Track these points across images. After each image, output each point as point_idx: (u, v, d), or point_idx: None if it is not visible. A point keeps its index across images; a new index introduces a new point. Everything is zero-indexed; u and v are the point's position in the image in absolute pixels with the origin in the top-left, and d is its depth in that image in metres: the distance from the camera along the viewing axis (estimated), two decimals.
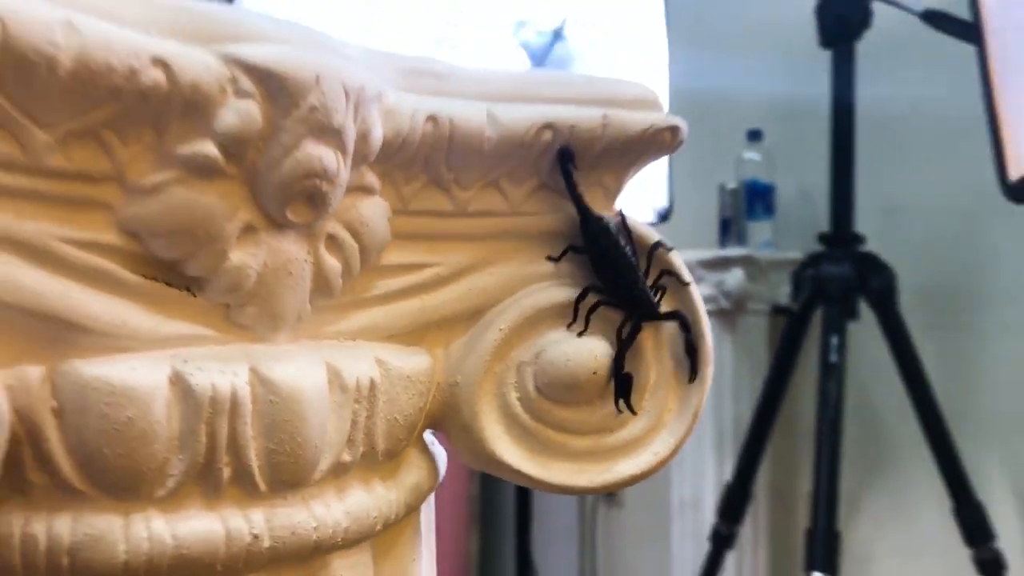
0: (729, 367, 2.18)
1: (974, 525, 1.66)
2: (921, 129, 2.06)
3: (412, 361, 0.51)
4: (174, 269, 0.42)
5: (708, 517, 2.06)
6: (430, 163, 0.49)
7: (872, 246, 1.80)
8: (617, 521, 2.63)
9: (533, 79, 0.52)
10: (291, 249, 0.44)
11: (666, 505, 2.35)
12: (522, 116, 0.50)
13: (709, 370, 0.55)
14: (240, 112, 0.40)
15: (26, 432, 0.39)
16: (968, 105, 1.43)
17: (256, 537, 0.43)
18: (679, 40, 1.92)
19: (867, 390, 2.05)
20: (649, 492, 2.18)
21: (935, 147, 2.03)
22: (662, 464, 0.55)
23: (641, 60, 1.96)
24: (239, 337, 0.44)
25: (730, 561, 2.02)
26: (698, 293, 0.55)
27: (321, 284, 0.46)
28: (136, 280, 0.41)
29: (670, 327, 0.55)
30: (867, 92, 1.79)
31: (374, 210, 0.48)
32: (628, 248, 0.54)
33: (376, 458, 0.49)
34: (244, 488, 0.43)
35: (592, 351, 0.53)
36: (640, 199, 1.86)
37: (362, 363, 0.47)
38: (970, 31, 1.41)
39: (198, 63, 0.39)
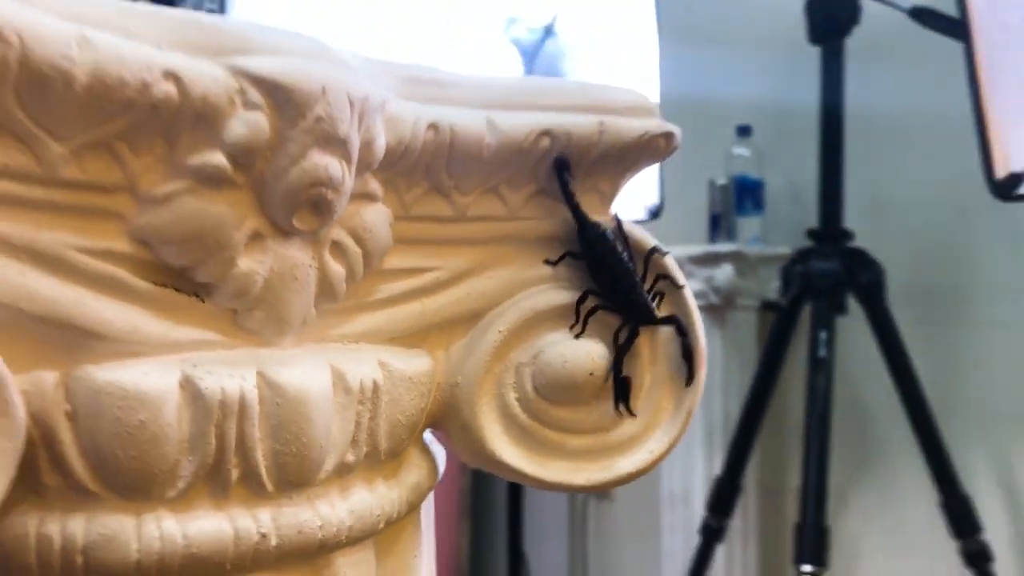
0: (718, 362, 2.19)
1: (961, 518, 1.68)
2: (909, 126, 2.07)
3: (414, 363, 0.52)
4: (183, 276, 0.43)
5: (698, 511, 2.07)
6: (431, 170, 0.50)
7: (860, 242, 1.81)
8: (608, 515, 2.65)
9: (531, 87, 0.53)
10: (297, 255, 0.45)
11: (656, 499, 2.36)
12: (521, 123, 0.51)
13: (703, 371, 0.56)
14: (249, 123, 0.41)
15: (41, 435, 0.40)
16: (956, 102, 1.44)
17: (264, 536, 0.44)
18: (669, 36, 1.92)
19: (855, 385, 2.07)
20: (639, 486, 2.19)
21: (923, 143, 2.05)
22: (657, 462, 0.57)
23: (632, 56, 1.97)
24: (246, 341, 0.45)
25: (720, 554, 2.04)
26: (692, 297, 0.56)
27: (326, 289, 0.47)
28: (147, 287, 0.42)
29: (665, 329, 0.56)
30: (856, 89, 1.80)
31: (377, 216, 0.49)
32: (625, 254, 0.55)
33: (379, 458, 0.50)
34: (251, 488, 0.44)
35: (589, 353, 0.55)
36: (631, 197, 1.87)
37: (365, 365, 0.48)
38: (958, 28, 1.43)
39: (208, 76, 0.40)
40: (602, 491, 0.57)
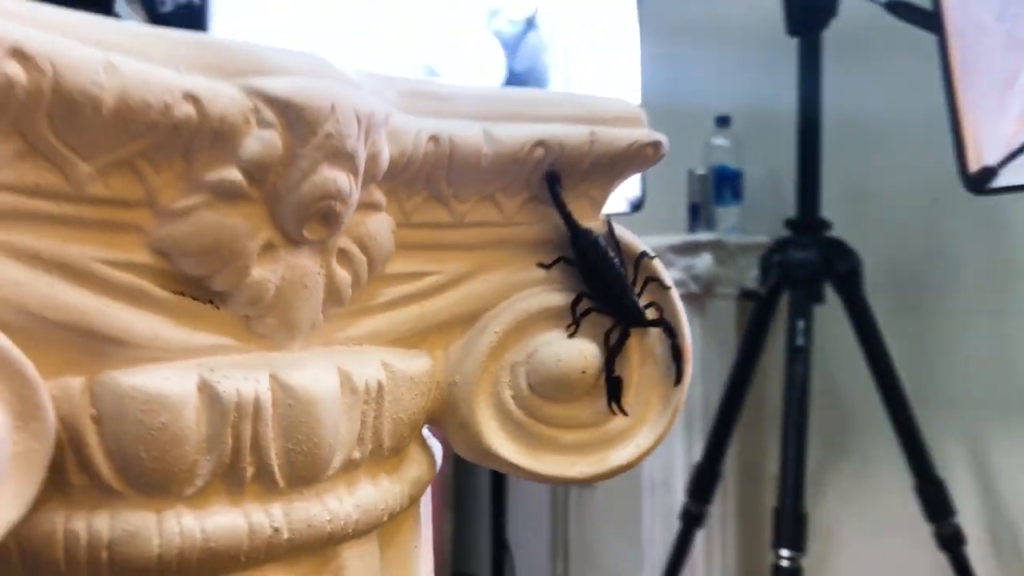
0: (698, 350, 2.21)
1: (935, 502, 1.71)
2: (886, 118, 2.10)
3: (415, 363, 0.54)
4: (200, 285, 0.45)
5: (678, 497, 2.10)
6: (431, 179, 0.53)
7: (838, 232, 1.83)
8: (589, 502, 2.68)
9: (526, 98, 0.55)
10: (306, 263, 0.48)
11: (637, 486, 2.39)
12: (516, 134, 0.54)
13: (689, 368, 0.59)
14: (263, 140, 0.43)
15: (68, 438, 0.43)
16: (932, 95, 1.46)
17: (276, 530, 0.47)
18: (650, 28, 1.95)
19: (833, 372, 2.10)
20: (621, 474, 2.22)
21: (899, 135, 2.08)
22: (646, 455, 0.59)
23: (613, 48, 1.99)
24: (259, 346, 0.48)
25: (700, 539, 2.06)
26: (678, 297, 0.59)
27: (333, 294, 0.50)
28: (166, 296, 0.44)
29: (654, 330, 0.59)
30: (834, 81, 1.82)
31: (381, 225, 0.51)
32: (616, 259, 0.58)
33: (382, 454, 0.53)
34: (265, 485, 0.47)
35: (581, 351, 0.57)
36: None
37: (370, 367, 0.51)
38: (932, 21, 1.45)
39: (224, 96, 0.42)
40: (594, 483, 0.60)
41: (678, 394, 0.59)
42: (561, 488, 2.68)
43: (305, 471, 0.47)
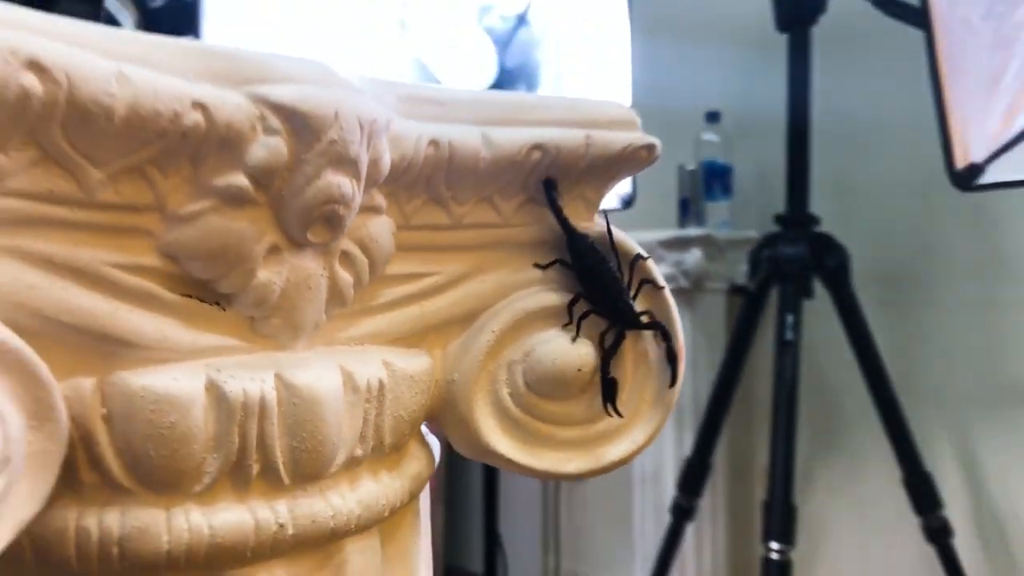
0: (688, 345, 2.19)
1: (923, 494, 1.73)
2: (874, 114, 2.12)
3: (415, 362, 0.55)
4: (207, 287, 0.46)
5: (668, 490, 2.11)
6: (431, 183, 0.54)
7: (826, 227, 1.85)
8: (581, 496, 2.69)
9: (523, 103, 0.56)
10: (310, 266, 0.49)
11: (627, 479, 2.40)
12: (514, 138, 0.55)
13: (682, 367, 0.60)
14: (269, 147, 0.44)
15: (80, 437, 0.44)
16: (920, 92, 1.48)
17: (281, 526, 0.48)
18: (641, 23, 1.95)
19: (821, 366, 2.12)
20: None
21: (887, 131, 2.09)
22: (640, 450, 0.61)
23: (604, 44, 2.00)
24: (264, 346, 0.49)
25: (690, 533, 2.08)
26: (671, 297, 0.61)
27: (335, 295, 0.51)
28: (174, 298, 0.46)
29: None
30: (823, 77, 1.83)
31: (382, 227, 0.52)
32: (612, 262, 0.59)
33: (383, 451, 0.54)
34: (270, 482, 0.48)
35: (577, 350, 0.59)
36: None
37: (371, 366, 0.52)
38: (919, 17, 1.47)
39: (231, 104, 0.43)
40: (589, 478, 0.61)
41: (672, 393, 0.60)
42: (552, 482, 2.69)
43: (309, 468, 0.49)
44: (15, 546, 0.41)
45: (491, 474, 2.17)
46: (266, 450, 0.47)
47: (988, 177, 1.36)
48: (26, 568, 0.45)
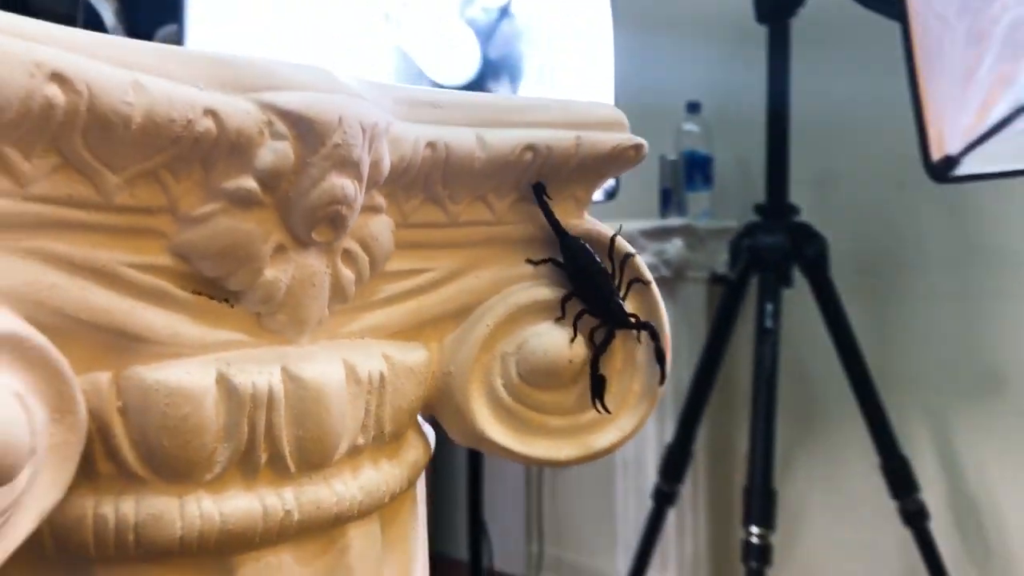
0: (669, 333, 2.25)
1: (900, 479, 1.76)
2: (853, 105, 2.15)
3: (413, 355, 0.58)
4: (216, 285, 0.48)
5: (650, 476, 2.14)
6: (428, 183, 0.56)
7: (805, 216, 1.88)
8: (563, 482, 2.72)
9: (516, 105, 0.59)
10: (314, 264, 0.51)
11: (610, 466, 2.44)
12: (507, 139, 0.57)
13: (668, 357, 0.63)
14: (276, 151, 0.46)
15: (97, 429, 0.46)
16: (898, 83, 1.50)
17: (288, 512, 0.50)
18: (623, 14, 1.97)
19: (800, 354, 2.15)
20: None
21: (866, 122, 2.12)
22: (628, 438, 0.63)
23: (586, 35, 2.01)
24: (271, 341, 0.51)
25: (671, 517, 2.11)
26: (658, 293, 0.63)
27: (338, 292, 0.53)
28: (185, 296, 0.48)
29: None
30: (802, 68, 1.86)
31: (382, 226, 0.55)
32: (603, 263, 0.61)
33: (384, 440, 0.56)
34: (277, 471, 0.50)
35: (568, 343, 0.61)
36: None
37: (372, 359, 0.54)
38: (894, 9, 1.49)
39: (241, 111, 0.45)
40: (580, 464, 0.64)
41: (659, 387, 0.63)
42: (535, 470, 2.72)
43: (314, 457, 0.51)
44: (35, 534, 0.43)
45: (476, 463, 2.19)
46: (274, 440, 0.49)
47: (963, 169, 1.39)
48: (46, 553, 0.47)
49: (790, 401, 2.02)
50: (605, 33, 1.98)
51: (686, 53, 2.47)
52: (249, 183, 0.46)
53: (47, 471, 0.42)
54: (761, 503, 1.70)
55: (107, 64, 0.41)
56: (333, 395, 0.51)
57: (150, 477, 0.47)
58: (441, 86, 1.93)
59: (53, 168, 0.41)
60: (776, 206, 1.86)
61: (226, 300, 0.49)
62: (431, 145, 0.55)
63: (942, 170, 1.40)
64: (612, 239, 0.62)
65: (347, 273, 0.53)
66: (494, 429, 0.61)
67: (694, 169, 2.34)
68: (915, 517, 1.76)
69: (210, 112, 0.44)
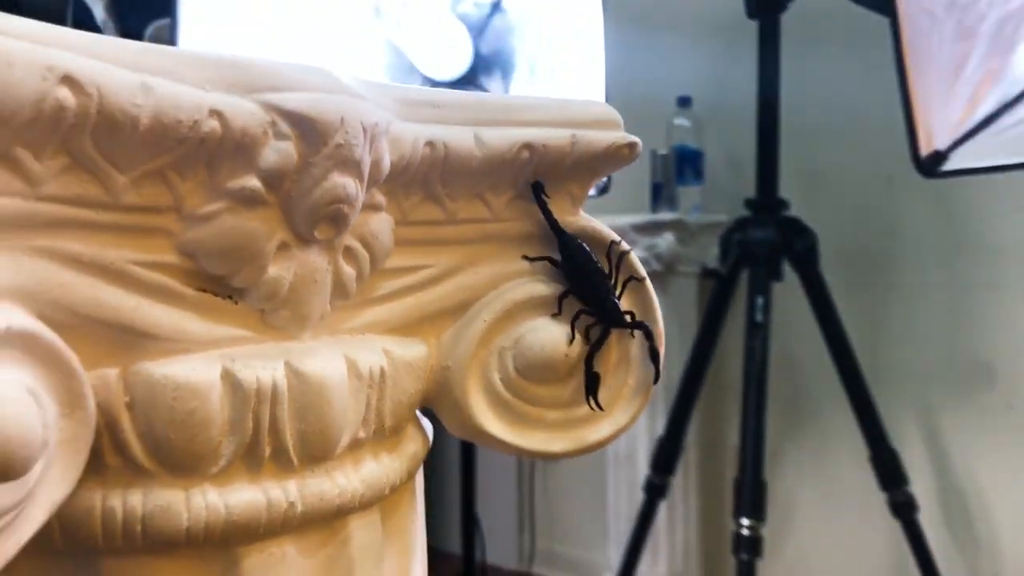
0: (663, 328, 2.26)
1: (889, 471, 1.78)
2: (843, 100, 2.16)
3: (412, 350, 0.59)
4: (221, 282, 0.49)
5: (642, 469, 2.15)
6: (427, 181, 0.57)
7: (795, 211, 1.89)
8: (555, 476, 2.74)
9: (513, 105, 0.60)
10: (316, 261, 0.52)
11: (602, 459, 2.45)
12: (505, 138, 0.58)
13: (661, 351, 0.64)
14: (279, 151, 0.47)
15: (105, 423, 0.47)
16: (887, 79, 1.52)
17: (291, 504, 0.51)
18: (614, 8, 1.98)
19: (790, 347, 2.17)
20: None
21: (855, 117, 2.14)
22: (621, 431, 0.65)
23: (578, 30, 2.02)
24: (274, 336, 0.52)
25: (663, 510, 2.13)
26: (653, 290, 0.64)
27: (339, 288, 0.54)
28: (191, 293, 0.49)
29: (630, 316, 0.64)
30: (792, 64, 1.87)
31: (382, 224, 0.56)
32: (600, 263, 0.62)
33: (384, 433, 0.57)
34: (281, 464, 0.51)
35: (563, 338, 0.62)
36: None
37: (373, 354, 0.55)
38: (884, 5, 1.50)
39: (245, 112, 0.46)
40: (575, 457, 0.65)
41: (652, 383, 0.64)
42: (528, 463, 2.74)
43: (317, 450, 0.52)
44: (44, 527, 0.44)
45: (468, 457, 2.20)
46: (277, 433, 0.50)
47: (951, 164, 1.41)
48: (55, 545, 0.48)
49: (780, 394, 2.04)
50: (596, 28, 1.99)
51: (677, 48, 2.48)
52: (253, 182, 0.47)
53: (58, 465, 0.43)
54: (751, 495, 1.72)
55: (115, 66, 0.42)
56: (335, 389, 0.52)
57: (157, 470, 0.48)
58: (433, 81, 1.93)
59: (63, 169, 0.42)
60: (766, 200, 1.87)
61: (230, 297, 0.50)
62: (430, 144, 0.56)
63: (931, 165, 1.42)
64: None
65: (348, 270, 0.54)
66: (491, 422, 0.62)
67: (685, 164, 2.35)
68: (904, 508, 1.77)
69: (215, 113, 0.45)
